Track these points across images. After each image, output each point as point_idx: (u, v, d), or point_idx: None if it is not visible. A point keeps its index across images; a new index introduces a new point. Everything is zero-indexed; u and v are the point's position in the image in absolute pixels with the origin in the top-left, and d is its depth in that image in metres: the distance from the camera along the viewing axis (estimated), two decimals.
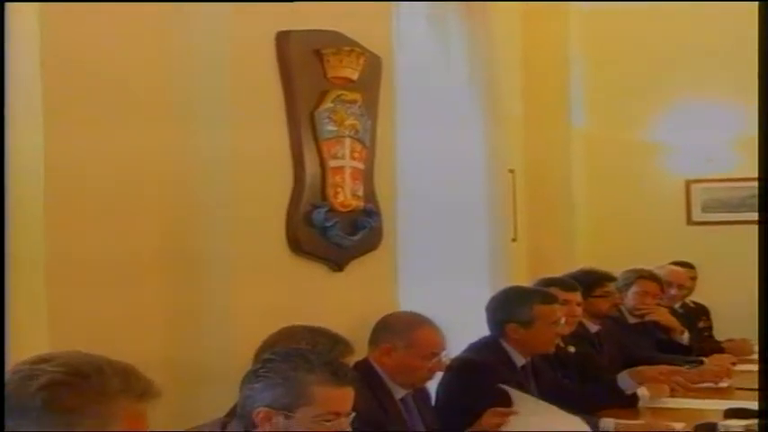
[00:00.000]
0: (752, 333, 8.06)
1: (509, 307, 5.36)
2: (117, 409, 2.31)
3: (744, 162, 9.82)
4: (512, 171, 8.46)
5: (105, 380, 2.31)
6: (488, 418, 4.77)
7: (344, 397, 3.22)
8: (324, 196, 4.91)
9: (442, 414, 4.92)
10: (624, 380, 5.74)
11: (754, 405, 5.13)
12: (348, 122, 4.99)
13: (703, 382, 6.24)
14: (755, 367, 7.00)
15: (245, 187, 4.48)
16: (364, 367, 4.38)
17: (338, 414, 3.18)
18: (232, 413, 3.29)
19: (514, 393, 4.85)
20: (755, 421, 4.78)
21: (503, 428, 4.64)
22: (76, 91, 3.80)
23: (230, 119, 4.40)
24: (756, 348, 7.55)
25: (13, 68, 3.48)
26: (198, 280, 4.27)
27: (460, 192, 7.21)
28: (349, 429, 3.22)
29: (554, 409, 4.83)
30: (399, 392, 4.50)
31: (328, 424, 3.16)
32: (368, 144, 5.14)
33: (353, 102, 5.03)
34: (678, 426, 4.84)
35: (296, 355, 3.26)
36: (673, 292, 8.10)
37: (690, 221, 10.05)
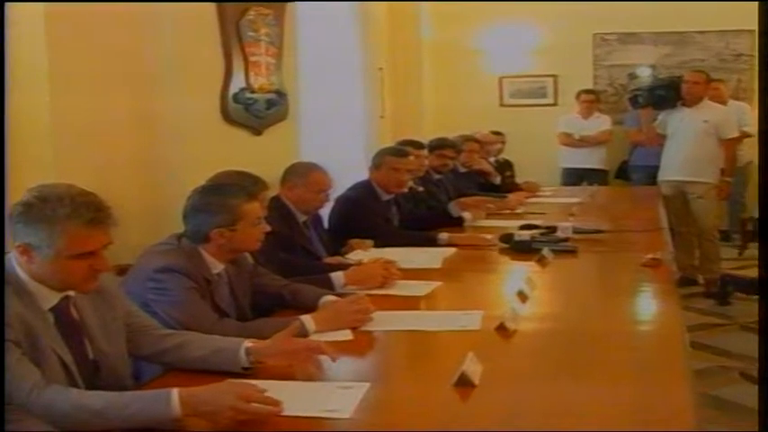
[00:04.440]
0: (538, 177, 8.27)
1: (375, 158, 5.38)
2: (61, 230, 2.29)
3: (537, 64, 9.95)
4: (381, 68, 8.41)
5: (57, 207, 2.29)
6: (355, 244, 4.79)
7: (259, 207, 3.31)
8: (247, 82, 4.83)
9: (331, 233, 4.95)
10: (452, 207, 5.84)
11: (537, 222, 5.27)
12: (263, 30, 4.91)
13: (506, 208, 6.37)
14: (541, 200, 7.19)
15: (193, 76, 4.39)
16: (276, 200, 4.36)
17: (260, 218, 3.27)
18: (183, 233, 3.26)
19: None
20: (538, 231, 4.88)
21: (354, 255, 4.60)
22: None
23: (184, 30, 4.28)
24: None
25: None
26: (161, 142, 4.18)
27: (345, 81, 7.15)
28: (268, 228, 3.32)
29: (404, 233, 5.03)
30: (301, 218, 4.49)
31: (259, 226, 3.25)
32: (277, 45, 5.07)
33: (267, 15, 4.93)
34: (489, 236, 4.91)
35: (226, 188, 3.30)
36: (489, 150, 8.22)
37: (501, 104, 10.15)
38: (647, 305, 3.68)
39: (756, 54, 9.57)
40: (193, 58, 4.41)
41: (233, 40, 4.71)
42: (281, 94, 5.12)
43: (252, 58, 4.85)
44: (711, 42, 9.79)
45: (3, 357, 2.19)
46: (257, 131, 4.98)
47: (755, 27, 9.48)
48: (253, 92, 4.87)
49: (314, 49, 6.14)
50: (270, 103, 5.03)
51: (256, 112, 4.92)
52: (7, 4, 3.19)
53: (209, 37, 4.62)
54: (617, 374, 2.59)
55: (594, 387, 2.50)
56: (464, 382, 2.40)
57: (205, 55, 4.59)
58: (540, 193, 7.60)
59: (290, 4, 5.24)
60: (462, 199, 6.04)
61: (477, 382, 2.42)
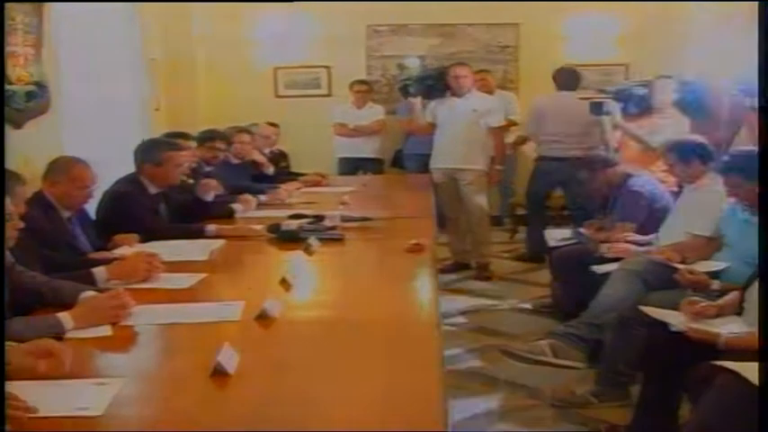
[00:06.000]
0: (314, 167, 8.33)
1: (145, 152, 5.29)
2: None
3: (311, 55, 10.05)
4: (154, 59, 8.30)
5: None
6: (119, 240, 4.71)
7: (11, 203, 3.16)
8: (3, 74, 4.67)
9: (98, 228, 4.83)
10: (199, 189, 5.82)
11: (306, 212, 5.29)
12: (19, 19, 4.76)
13: (278, 199, 6.40)
14: (314, 190, 7.23)
15: None
16: (38, 196, 4.24)
17: (11, 214, 3.13)
18: None
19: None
20: (306, 220, 4.93)
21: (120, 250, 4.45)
22: None
23: None
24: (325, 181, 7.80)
25: None
26: None
27: (115, 73, 7.02)
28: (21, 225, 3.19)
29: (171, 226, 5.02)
30: (66, 213, 4.38)
31: (11, 223, 3.12)
32: (36, 35, 4.92)
33: (23, 3, 4.78)
34: (258, 226, 4.91)
35: None
36: (263, 142, 8.25)
37: (276, 95, 10.17)
38: (407, 290, 3.78)
39: (521, 46, 10.09)
40: None
41: None
42: (41, 86, 4.99)
43: (8, 48, 4.69)
44: (479, 35, 10.20)
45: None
46: (17, 125, 4.84)
47: (519, 21, 10.03)
48: (10, 83, 4.71)
49: (80, 39, 6.01)
50: (30, 96, 4.89)
51: (16, 105, 4.77)
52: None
53: None
54: (369, 361, 2.65)
55: (347, 374, 2.56)
56: (219, 373, 2.44)
57: None
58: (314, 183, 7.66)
59: None
60: (204, 181, 5.96)
61: (232, 371, 2.46)
